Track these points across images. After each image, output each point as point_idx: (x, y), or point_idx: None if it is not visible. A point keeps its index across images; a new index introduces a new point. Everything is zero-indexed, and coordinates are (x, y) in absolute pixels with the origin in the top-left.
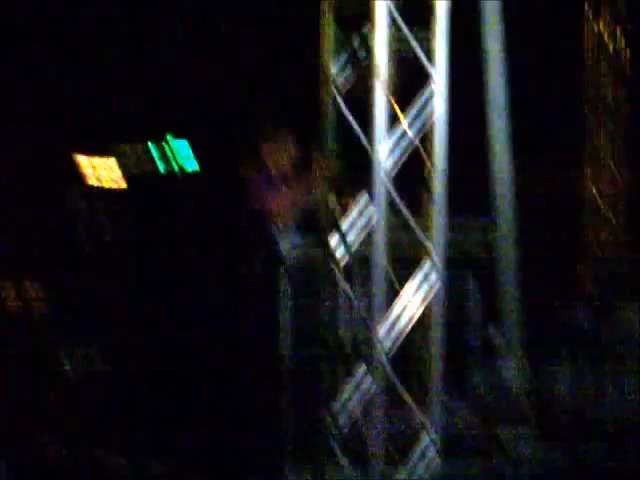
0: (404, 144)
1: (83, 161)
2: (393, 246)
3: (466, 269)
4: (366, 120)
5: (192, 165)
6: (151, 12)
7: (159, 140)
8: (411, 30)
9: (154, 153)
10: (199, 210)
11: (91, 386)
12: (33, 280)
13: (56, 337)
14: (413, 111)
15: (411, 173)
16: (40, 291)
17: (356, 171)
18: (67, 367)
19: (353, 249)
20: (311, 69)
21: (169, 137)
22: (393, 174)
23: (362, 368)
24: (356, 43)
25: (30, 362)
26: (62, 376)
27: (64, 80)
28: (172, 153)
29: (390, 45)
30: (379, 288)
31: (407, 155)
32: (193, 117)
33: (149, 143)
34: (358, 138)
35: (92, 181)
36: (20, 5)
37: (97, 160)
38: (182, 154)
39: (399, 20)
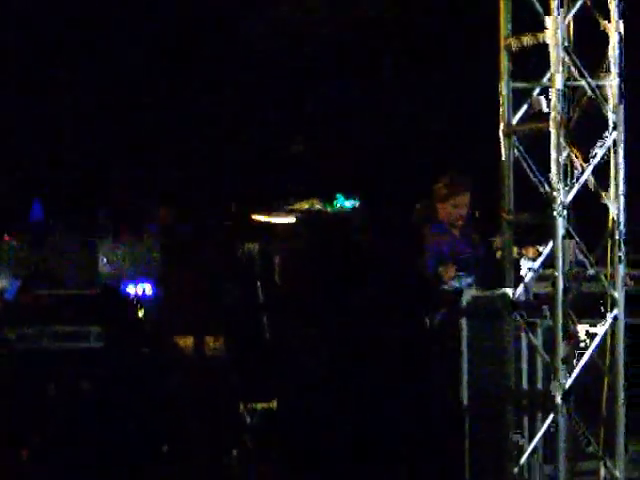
0: (581, 189)
1: (262, 219)
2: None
3: None
4: (545, 168)
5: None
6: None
7: (330, 200)
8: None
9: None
10: (378, 261)
11: (272, 440)
12: (214, 333)
13: (237, 391)
14: (595, 159)
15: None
16: (219, 343)
17: (537, 220)
18: (247, 420)
19: (535, 298)
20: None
21: (339, 196)
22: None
23: (548, 419)
24: (535, 94)
25: (211, 415)
26: (241, 429)
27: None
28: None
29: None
30: (562, 337)
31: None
32: (366, 173)
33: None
34: (538, 186)
35: (271, 236)
36: None
37: (276, 218)
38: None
39: (579, 68)
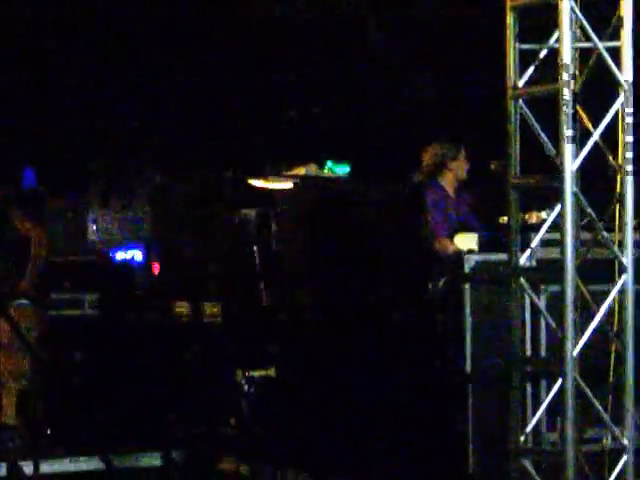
0: (590, 152)
1: (259, 185)
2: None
3: None
4: (552, 132)
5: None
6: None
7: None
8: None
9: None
10: (376, 228)
11: (268, 405)
12: (211, 299)
13: (234, 358)
14: (604, 120)
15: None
16: (217, 309)
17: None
18: (244, 387)
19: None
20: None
21: (330, 162)
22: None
23: (552, 386)
24: (543, 55)
25: (208, 382)
26: (238, 396)
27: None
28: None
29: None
30: (571, 303)
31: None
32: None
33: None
34: (544, 149)
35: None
36: None
37: (273, 184)
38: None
39: (588, 29)
